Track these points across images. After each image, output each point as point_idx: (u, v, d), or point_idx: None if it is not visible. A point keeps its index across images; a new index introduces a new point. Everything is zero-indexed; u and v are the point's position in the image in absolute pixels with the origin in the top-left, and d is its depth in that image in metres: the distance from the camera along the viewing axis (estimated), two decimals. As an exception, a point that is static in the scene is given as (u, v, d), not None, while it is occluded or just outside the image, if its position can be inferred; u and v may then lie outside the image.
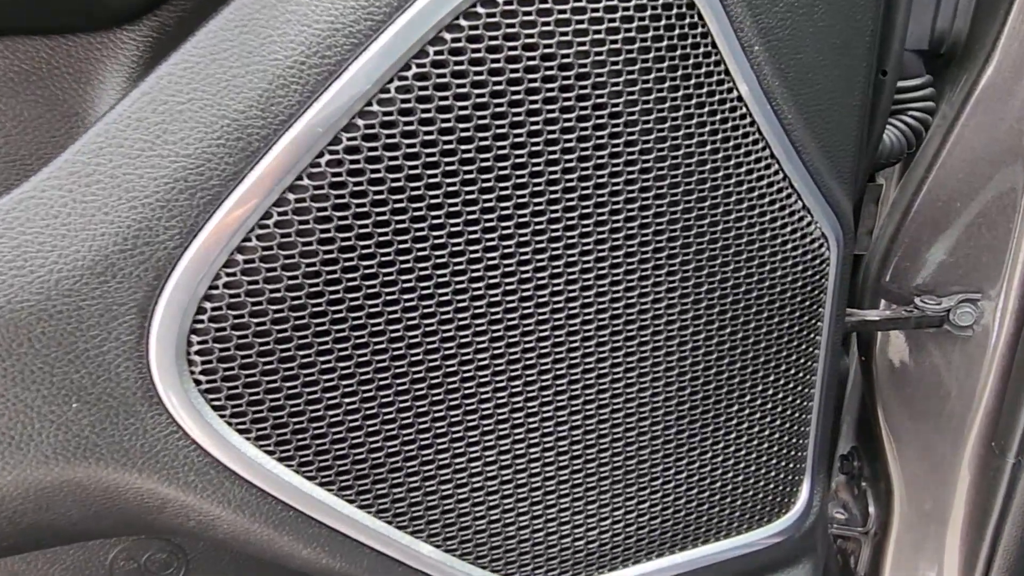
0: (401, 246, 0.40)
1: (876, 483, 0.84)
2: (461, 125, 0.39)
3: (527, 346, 0.45)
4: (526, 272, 0.43)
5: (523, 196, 0.41)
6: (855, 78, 0.52)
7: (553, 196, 0.42)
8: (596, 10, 0.39)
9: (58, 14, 0.40)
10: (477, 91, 0.38)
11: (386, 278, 0.40)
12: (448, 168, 0.40)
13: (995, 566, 0.70)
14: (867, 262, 0.73)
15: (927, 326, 0.72)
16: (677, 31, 0.42)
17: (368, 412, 0.42)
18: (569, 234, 0.43)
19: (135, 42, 0.41)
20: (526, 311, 0.44)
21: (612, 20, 0.40)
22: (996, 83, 0.65)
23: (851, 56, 0.51)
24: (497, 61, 0.38)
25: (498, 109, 0.39)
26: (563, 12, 0.39)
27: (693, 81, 0.43)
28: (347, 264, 0.39)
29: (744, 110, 0.46)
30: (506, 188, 0.41)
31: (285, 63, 0.35)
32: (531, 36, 0.38)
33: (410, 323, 0.41)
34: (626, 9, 0.40)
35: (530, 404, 0.47)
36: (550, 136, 0.41)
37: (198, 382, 0.39)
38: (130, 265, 0.36)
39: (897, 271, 0.73)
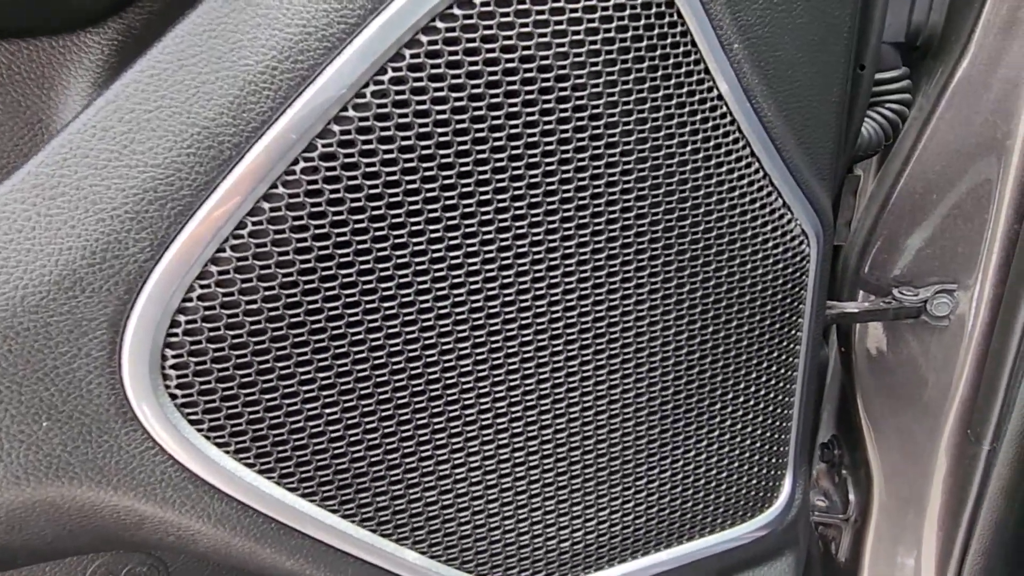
0: (380, 254, 0.39)
1: (856, 471, 0.86)
2: (439, 129, 0.38)
3: (509, 351, 0.44)
4: (508, 276, 0.43)
5: (504, 200, 0.41)
6: (833, 74, 0.52)
7: (534, 199, 0.41)
8: (575, 11, 0.39)
9: (18, 17, 0.38)
10: (455, 95, 0.38)
11: (365, 287, 0.40)
12: (427, 173, 0.39)
13: (971, 550, 0.71)
14: (846, 253, 0.73)
15: (905, 317, 0.72)
16: (657, 30, 0.41)
17: (350, 422, 0.42)
18: (551, 237, 0.43)
19: (100, 45, 0.40)
20: (508, 315, 0.44)
21: (591, 21, 0.39)
22: (971, 76, 0.66)
23: (829, 52, 0.51)
24: (475, 64, 0.37)
25: (476, 113, 0.38)
26: (541, 13, 0.38)
27: (673, 80, 0.43)
28: (325, 274, 0.38)
29: (724, 108, 0.45)
30: (486, 192, 0.40)
31: (256, 68, 0.34)
32: (509, 38, 0.38)
33: (391, 331, 0.41)
34: (605, 9, 0.39)
35: (513, 408, 0.47)
36: (530, 140, 0.40)
37: (174, 396, 0.38)
38: (99, 279, 0.35)
39: (875, 262, 0.73)
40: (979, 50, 0.65)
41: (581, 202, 0.43)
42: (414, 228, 0.39)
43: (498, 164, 0.40)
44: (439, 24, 0.36)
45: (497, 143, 0.39)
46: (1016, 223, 0.66)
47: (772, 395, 0.54)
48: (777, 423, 0.55)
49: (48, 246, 0.34)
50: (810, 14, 0.48)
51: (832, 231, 0.56)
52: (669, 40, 0.42)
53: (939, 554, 0.73)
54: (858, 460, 0.84)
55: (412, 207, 0.39)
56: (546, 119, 0.40)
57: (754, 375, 0.53)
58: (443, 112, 0.38)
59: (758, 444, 0.54)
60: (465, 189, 0.40)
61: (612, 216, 0.44)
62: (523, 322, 0.44)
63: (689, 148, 0.44)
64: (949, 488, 0.73)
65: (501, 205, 0.41)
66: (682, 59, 0.43)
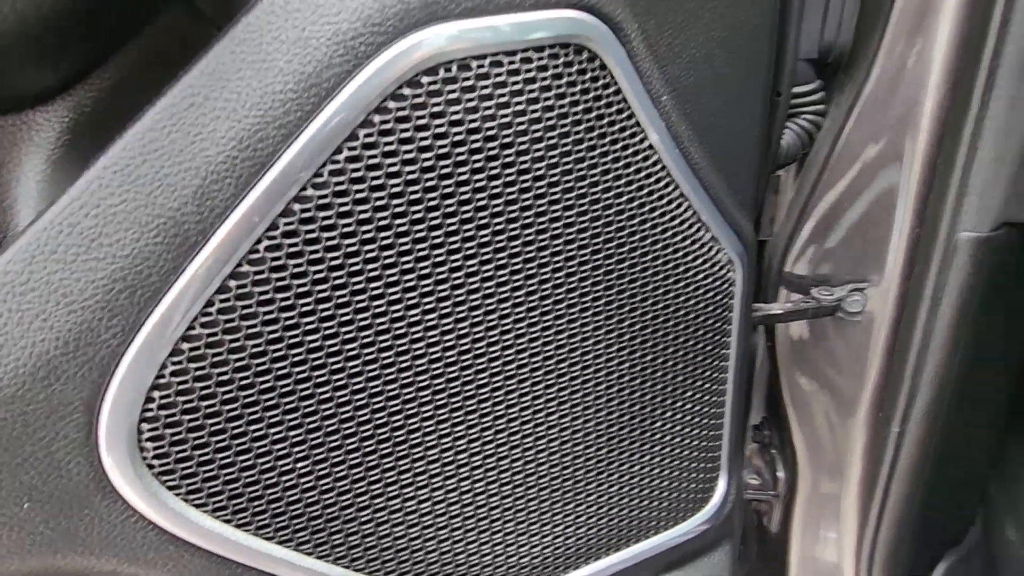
0: (343, 319, 0.41)
1: (783, 451, 0.93)
2: (395, 201, 0.40)
3: (467, 394, 0.48)
4: (463, 327, 0.46)
5: (457, 259, 0.44)
6: (753, 111, 0.56)
7: (485, 257, 0.44)
8: (516, 83, 0.41)
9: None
10: (408, 168, 0.40)
11: (331, 350, 0.42)
12: (384, 242, 0.41)
13: (885, 520, 0.79)
14: (769, 256, 0.79)
15: (823, 315, 0.79)
16: (592, 93, 0.44)
17: (320, 473, 0.44)
18: (502, 289, 0.46)
19: (51, 123, 0.40)
20: (466, 360, 0.47)
21: (532, 91, 0.42)
22: (877, 93, 0.71)
23: (749, 94, 0.55)
24: (426, 139, 0.40)
25: (429, 183, 0.41)
26: (485, 88, 0.40)
27: (609, 137, 0.46)
28: (292, 341, 0.41)
29: (656, 157, 0.49)
30: (440, 255, 0.43)
31: (217, 159, 0.36)
32: (456, 113, 0.40)
33: (357, 389, 0.43)
34: (544, 79, 0.42)
35: (471, 442, 0.50)
36: (479, 203, 0.43)
37: (151, 466, 0.39)
38: (73, 367, 0.36)
39: (795, 264, 0.79)
40: (882, 71, 0.70)
41: (528, 254, 0.46)
42: (373, 293, 0.42)
43: (450, 228, 0.42)
44: (390, 104, 0.39)
45: (449, 208, 0.42)
46: (917, 228, 0.72)
47: (705, 407, 0.59)
48: (710, 431, 0.60)
49: (21, 340, 0.35)
50: (731, 63, 0.52)
51: (755, 254, 0.61)
52: (604, 100, 0.45)
53: (858, 523, 0.81)
54: (785, 441, 0.91)
55: (371, 274, 0.41)
56: (494, 184, 0.42)
57: (689, 391, 0.57)
58: (398, 184, 0.40)
59: (694, 452, 0.59)
60: (421, 253, 0.42)
61: (557, 265, 0.47)
62: (480, 367, 0.47)
63: (625, 197, 0.48)
64: (865, 466, 0.81)
65: (455, 265, 0.43)
66: (616, 116, 0.46)
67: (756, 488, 0.97)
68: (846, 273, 0.78)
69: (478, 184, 0.42)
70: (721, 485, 0.63)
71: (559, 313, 0.48)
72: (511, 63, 0.40)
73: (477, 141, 0.41)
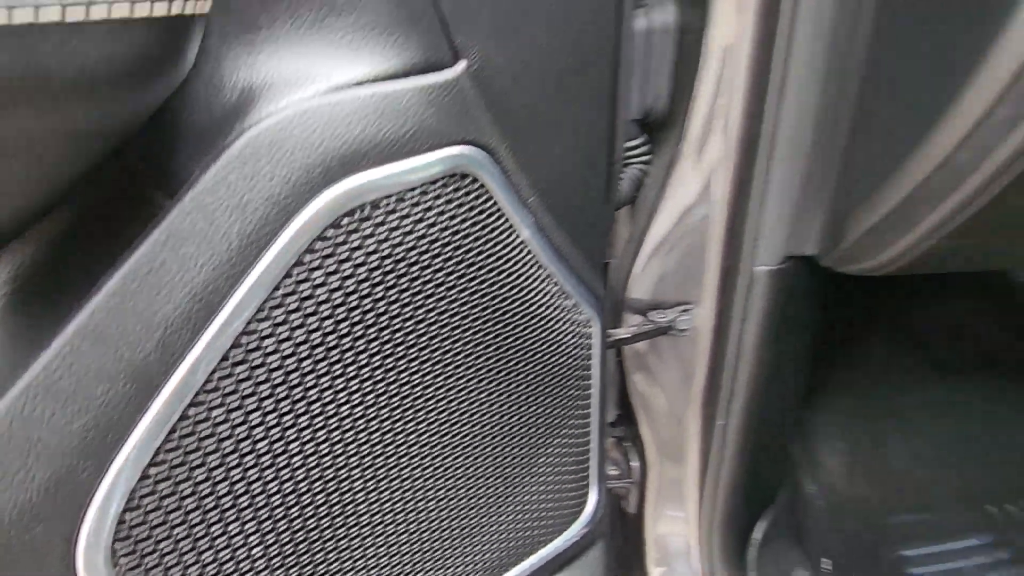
0: (290, 425, 0.48)
1: (635, 443, 1.09)
2: (327, 322, 0.48)
3: (390, 485, 0.56)
4: (385, 408, 0.54)
5: (379, 357, 0.52)
6: (601, 192, 0.68)
7: (401, 351, 0.53)
8: (418, 211, 0.50)
9: None
10: (336, 294, 0.47)
11: (284, 453, 0.49)
12: (320, 356, 0.48)
13: (719, 495, 0.97)
14: (612, 284, 0.93)
15: (659, 334, 0.94)
16: (476, 208, 0.54)
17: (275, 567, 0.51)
18: (418, 374, 0.55)
19: None
20: (387, 441, 0.55)
21: (430, 215, 0.51)
22: (688, 152, 0.86)
23: (597, 177, 0.67)
24: (348, 268, 0.47)
25: (353, 303, 0.49)
26: (393, 220, 0.49)
27: (492, 240, 0.56)
28: (247, 452, 0.47)
29: (527, 248, 0.60)
30: (367, 356, 0.51)
31: (174, 313, 0.41)
32: (372, 243, 0.48)
33: (309, 490, 0.51)
34: (439, 205, 0.51)
35: (394, 492, 0.59)
36: (392, 315, 0.51)
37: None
38: (52, 509, 0.40)
39: (633, 291, 0.94)
40: (692, 133, 0.85)
41: (422, 347, 0.55)
42: (310, 405, 0.49)
43: (371, 339, 0.50)
44: (318, 244, 0.46)
45: (371, 319, 0.50)
46: (726, 260, 0.89)
47: (576, 436, 0.71)
48: (581, 454, 0.72)
49: (5, 493, 0.39)
50: (581, 159, 0.63)
51: (608, 306, 0.73)
52: (485, 212, 0.55)
53: (697, 502, 0.99)
54: (635, 435, 1.07)
55: (309, 385, 0.49)
56: (404, 292, 0.51)
57: (563, 427, 0.69)
58: (328, 308, 0.47)
59: (570, 475, 0.72)
60: (352, 358, 0.50)
61: (460, 347, 0.56)
62: (399, 440, 0.56)
63: (507, 284, 0.58)
64: (700, 454, 0.98)
65: (366, 374, 0.51)
66: (495, 223, 0.56)
67: (615, 477, 1.13)
68: (675, 297, 0.94)
69: (392, 296, 0.50)
70: (593, 495, 0.76)
71: (461, 384, 0.58)
72: (412, 197, 0.49)
73: (390, 262, 0.49)
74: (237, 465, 0.47)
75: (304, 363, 0.48)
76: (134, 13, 0.31)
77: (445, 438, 0.59)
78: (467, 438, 0.61)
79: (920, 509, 1.07)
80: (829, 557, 0.99)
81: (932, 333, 1.37)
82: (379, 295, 0.49)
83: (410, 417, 0.56)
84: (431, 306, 0.53)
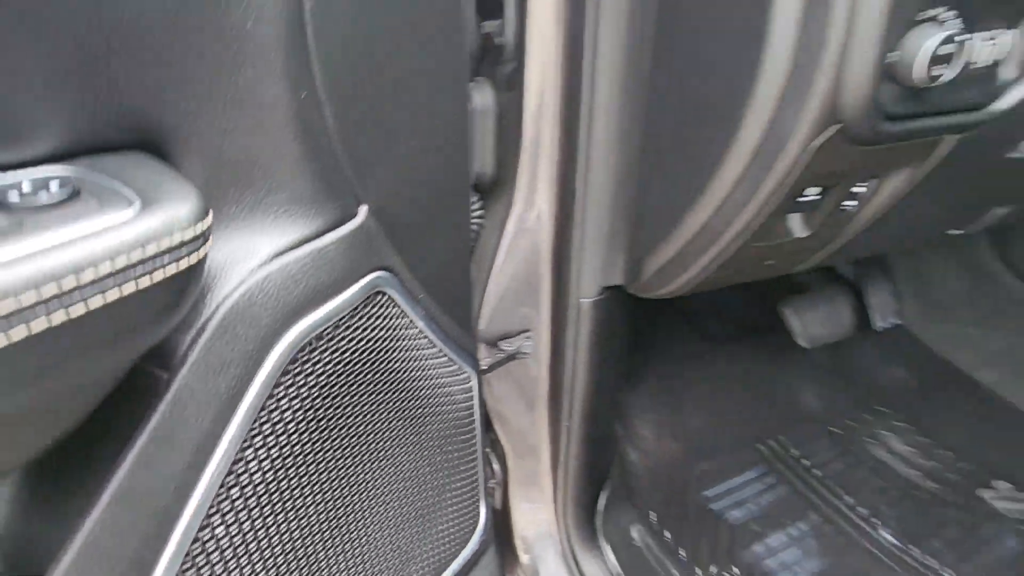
0: (271, 515, 0.59)
1: (496, 448, 1.27)
2: (294, 437, 0.59)
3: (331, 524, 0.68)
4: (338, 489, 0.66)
5: (332, 452, 0.64)
6: (466, 272, 0.84)
7: (346, 444, 0.65)
8: (350, 329, 0.62)
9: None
10: (299, 414, 0.59)
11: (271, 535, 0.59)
12: (297, 467, 0.59)
13: (569, 482, 1.18)
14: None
15: (510, 360, 1.13)
16: (387, 314, 0.67)
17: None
18: (352, 454, 0.67)
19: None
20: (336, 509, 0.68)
21: (358, 329, 0.63)
22: (517, 208, 1.05)
23: (463, 265, 0.82)
24: (305, 389, 0.59)
25: (311, 415, 0.60)
26: (334, 342, 0.61)
27: (400, 338, 0.69)
28: (246, 554, 0.57)
29: (424, 334, 0.74)
30: (314, 459, 0.63)
31: (184, 465, 0.50)
32: (320, 368, 0.60)
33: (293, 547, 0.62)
34: (364, 319, 0.64)
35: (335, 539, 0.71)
36: (341, 413, 0.63)
37: None
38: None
39: (485, 327, 1.11)
40: (519, 195, 1.03)
41: (369, 425, 0.68)
42: (279, 504, 0.60)
43: (328, 437, 0.62)
44: (283, 379, 0.57)
45: (326, 424, 0.62)
46: (555, 295, 1.09)
47: (467, 467, 0.88)
48: (471, 481, 0.89)
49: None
50: (452, 253, 0.78)
51: (478, 358, 0.90)
52: (392, 315, 0.68)
53: (552, 494, 1.20)
54: (496, 441, 1.26)
55: (287, 492, 0.59)
56: (348, 397, 0.63)
57: (458, 463, 0.85)
58: (294, 425, 0.59)
59: (465, 500, 0.88)
60: (318, 461, 0.61)
61: (385, 423, 0.70)
62: (344, 495, 0.68)
63: (412, 365, 0.72)
64: (551, 451, 1.19)
65: (324, 462, 0.64)
66: (399, 320, 0.70)
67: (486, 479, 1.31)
68: (518, 328, 1.13)
69: (340, 399, 0.62)
70: (483, 510, 0.93)
71: (387, 447, 0.71)
72: (344, 322, 0.61)
73: (335, 376, 0.61)
74: (243, 554, 0.57)
75: (279, 472, 0.58)
76: (141, 284, 0.39)
77: (378, 488, 0.72)
78: (392, 485, 0.74)
79: (712, 456, 1.37)
80: (654, 511, 1.26)
81: (703, 313, 1.72)
82: (330, 402, 0.61)
83: (356, 476, 0.68)
84: (367, 398, 0.66)
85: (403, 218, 0.68)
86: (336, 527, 0.68)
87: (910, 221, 0.95)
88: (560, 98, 0.88)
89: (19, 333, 0.33)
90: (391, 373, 0.69)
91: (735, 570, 1.13)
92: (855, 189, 0.83)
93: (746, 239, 0.86)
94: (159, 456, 0.49)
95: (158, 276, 0.40)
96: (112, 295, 0.37)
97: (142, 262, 0.37)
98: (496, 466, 1.28)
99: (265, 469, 0.57)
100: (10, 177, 0.40)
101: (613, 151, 0.87)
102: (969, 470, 1.30)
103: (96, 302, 0.36)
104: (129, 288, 0.38)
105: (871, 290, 1.55)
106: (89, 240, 0.36)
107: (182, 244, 0.39)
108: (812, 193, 0.80)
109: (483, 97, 1.01)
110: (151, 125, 0.45)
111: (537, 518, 1.20)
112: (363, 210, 0.62)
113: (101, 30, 0.38)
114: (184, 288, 0.42)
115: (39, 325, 0.34)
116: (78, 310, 0.36)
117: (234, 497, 0.55)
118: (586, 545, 1.18)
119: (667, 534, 1.19)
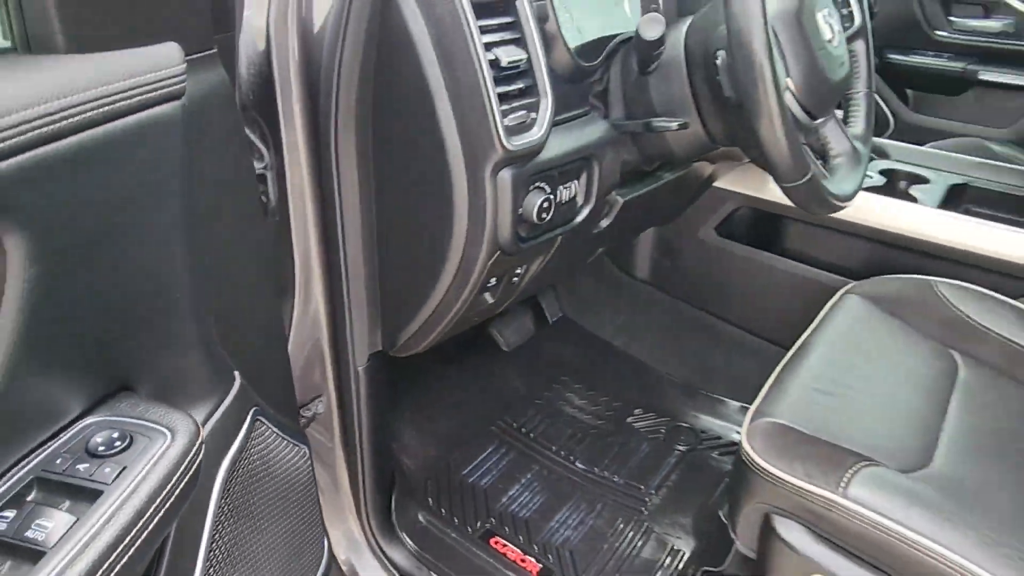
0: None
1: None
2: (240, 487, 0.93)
3: None
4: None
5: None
6: (286, 367, 1.20)
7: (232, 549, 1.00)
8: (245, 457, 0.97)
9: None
10: (247, 478, 0.93)
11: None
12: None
13: (368, 498, 1.58)
14: None
15: (311, 422, 1.49)
16: (263, 438, 1.03)
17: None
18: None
19: None
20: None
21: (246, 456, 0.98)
22: (299, 296, 1.41)
23: (283, 362, 1.18)
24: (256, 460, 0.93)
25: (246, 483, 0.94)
26: (242, 468, 0.95)
27: (264, 442, 1.05)
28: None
29: (276, 433, 1.10)
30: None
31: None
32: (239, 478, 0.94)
33: None
34: (251, 447, 0.99)
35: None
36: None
37: None
38: None
39: (284, 403, 1.46)
40: (298, 285, 1.40)
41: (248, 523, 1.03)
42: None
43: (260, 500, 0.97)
44: (240, 456, 0.91)
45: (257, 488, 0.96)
46: (335, 364, 1.46)
47: (311, 514, 1.25)
48: (316, 530, 1.26)
49: None
50: (277, 360, 1.15)
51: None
52: (267, 436, 1.04)
53: (355, 507, 1.57)
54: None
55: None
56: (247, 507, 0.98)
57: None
58: (245, 483, 0.93)
59: (314, 546, 1.25)
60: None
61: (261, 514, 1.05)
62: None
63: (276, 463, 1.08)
64: (348, 475, 1.57)
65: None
66: (269, 434, 1.05)
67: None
68: (310, 393, 1.49)
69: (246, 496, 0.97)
70: (324, 542, 1.30)
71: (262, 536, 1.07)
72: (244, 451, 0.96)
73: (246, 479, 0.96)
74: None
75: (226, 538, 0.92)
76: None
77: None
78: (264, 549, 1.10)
79: (461, 445, 1.87)
80: (430, 496, 1.71)
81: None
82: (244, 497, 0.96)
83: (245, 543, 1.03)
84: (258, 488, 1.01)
85: (247, 357, 1.03)
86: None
87: (551, 274, 1.52)
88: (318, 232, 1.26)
89: None
90: (266, 468, 1.04)
91: (492, 520, 1.65)
92: (515, 273, 1.36)
93: (463, 311, 1.35)
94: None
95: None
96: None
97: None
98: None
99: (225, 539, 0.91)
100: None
101: (363, 268, 1.28)
102: (619, 406, 1.99)
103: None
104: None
105: (541, 296, 2.19)
106: (158, 466, 0.69)
107: (196, 455, 0.74)
108: (492, 281, 1.31)
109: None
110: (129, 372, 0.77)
111: (346, 528, 1.58)
112: (237, 375, 0.97)
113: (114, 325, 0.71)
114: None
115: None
116: None
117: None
118: (387, 537, 1.47)
119: (443, 511, 1.67)
